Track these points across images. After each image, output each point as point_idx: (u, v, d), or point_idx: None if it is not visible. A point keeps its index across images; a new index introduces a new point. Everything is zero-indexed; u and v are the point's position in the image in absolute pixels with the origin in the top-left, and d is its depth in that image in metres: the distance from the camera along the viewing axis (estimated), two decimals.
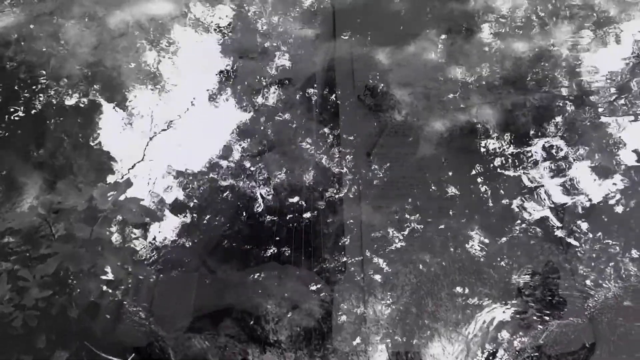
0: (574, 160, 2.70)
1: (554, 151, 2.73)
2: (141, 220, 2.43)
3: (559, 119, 2.82)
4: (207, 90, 2.97)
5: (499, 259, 2.47)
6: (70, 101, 2.89)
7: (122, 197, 2.29)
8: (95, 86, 2.94)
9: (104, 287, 2.22)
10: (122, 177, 2.66)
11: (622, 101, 2.85)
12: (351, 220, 2.59)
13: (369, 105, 3.14)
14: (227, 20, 3.21)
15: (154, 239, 2.53)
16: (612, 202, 2.58)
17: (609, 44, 3.06)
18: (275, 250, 2.50)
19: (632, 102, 2.84)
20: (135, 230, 2.51)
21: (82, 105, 2.89)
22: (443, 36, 3.14)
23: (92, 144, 2.77)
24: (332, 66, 3.06)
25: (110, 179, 2.67)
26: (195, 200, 2.63)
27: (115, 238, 2.47)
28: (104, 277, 2.19)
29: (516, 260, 2.45)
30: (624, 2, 3.18)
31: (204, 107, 2.93)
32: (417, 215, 2.58)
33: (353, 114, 3.07)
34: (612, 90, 2.89)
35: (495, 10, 3.20)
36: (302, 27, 3.20)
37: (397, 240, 2.53)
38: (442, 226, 2.56)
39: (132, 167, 2.72)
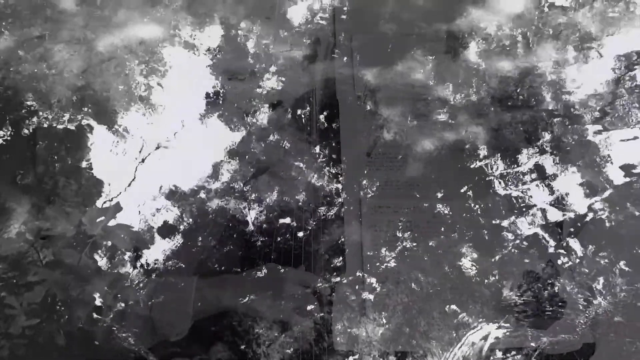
0: (562, 177, 2.73)
1: (542, 168, 2.76)
2: (131, 245, 2.42)
3: (546, 136, 2.86)
4: (197, 111, 2.98)
5: (491, 277, 2.48)
6: (59, 124, 2.88)
7: (111, 222, 2.28)
8: (84, 109, 2.94)
9: (93, 314, 2.20)
10: (112, 200, 2.65)
11: (607, 118, 2.90)
12: (342, 240, 2.59)
13: (369, 109, 3.19)
14: (217, 42, 3.23)
15: (145, 263, 2.51)
16: (601, 217, 2.61)
17: (593, 61, 3.11)
18: (267, 272, 2.50)
19: (617, 118, 2.89)
20: (125, 256, 2.50)
21: (71, 128, 2.88)
22: (430, 56, 3.18)
23: (81, 166, 2.76)
24: (322, 86, 3.08)
25: (100, 202, 2.66)
26: (185, 223, 2.62)
27: (105, 263, 2.45)
28: (92, 304, 2.18)
29: (508, 277, 2.47)
30: (606, 19, 3.24)
31: (194, 128, 2.93)
32: (409, 233, 2.60)
33: (353, 114, 3.09)
34: (598, 107, 2.94)
35: (480, 31, 3.25)
36: (291, 48, 3.23)
37: (389, 259, 2.53)
38: (433, 244, 2.57)
39: (123, 190, 2.71)
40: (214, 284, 2.45)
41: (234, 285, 2.45)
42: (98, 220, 2.45)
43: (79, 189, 2.65)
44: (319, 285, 2.47)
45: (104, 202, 2.64)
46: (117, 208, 2.54)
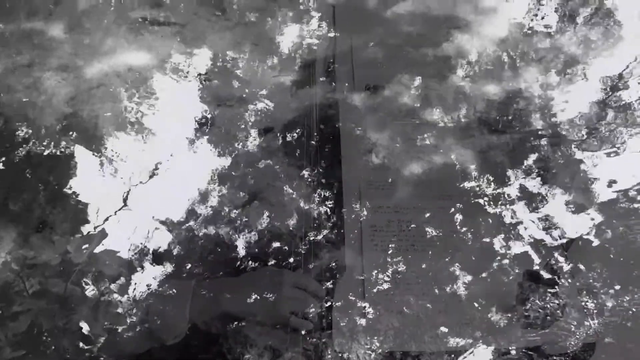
0: (551, 197, 2.77)
1: (530, 189, 2.79)
2: (118, 273, 2.40)
3: (533, 157, 2.90)
4: (186, 137, 2.99)
5: (481, 298, 2.49)
6: (47, 151, 2.89)
7: (97, 250, 2.27)
8: (72, 136, 2.95)
9: (80, 344, 2.17)
10: (99, 227, 2.64)
11: (593, 138, 2.95)
12: (334, 264, 2.60)
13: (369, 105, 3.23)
14: (205, 68, 3.27)
15: (134, 290, 2.50)
16: (589, 236, 2.64)
17: (577, 83, 3.18)
18: (258, 297, 2.49)
19: (602, 138, 2.94)
20: (112, 284, 2.48)
21: (59, 155, 2.88)
22: (417, 80, 3.24)
23: (68, 193, 2.75)
24: (311, 111, 3.12)
25: (87, 228, 2.65)
26: (175, 249, 2.62)
27: (91, 292, 2.43)
28: (79, 333, 2.15)
29: (498, 297, 2.48)
30: (589, 43, 3.33)
31: (183, 154, 2.94)
32: (400, 257, 2.61)
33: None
34: (584, 127, 3.00)
35: (466, 55, 3.32)
36: (279, 74, 3.28)
37: (380, 283, 2.54)
38: (424, 265, 2.58)
39: (110, 216, 2.70)
40: (212, 286, 2.46)
41: (231, 288, 2.47)
42: (83, 247, 2.43)
43: (66, 216, 2.64)
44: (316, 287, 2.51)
45: (91, 230, 2.63)
46: (103, 235, 2.53)
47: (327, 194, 2.80)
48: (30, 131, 2.93)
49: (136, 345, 2.29)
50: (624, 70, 3.17)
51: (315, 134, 3.01)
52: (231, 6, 3.58)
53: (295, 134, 3.01)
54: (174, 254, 2.58)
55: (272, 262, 2.57)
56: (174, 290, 2.44)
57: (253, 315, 2.37)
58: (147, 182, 2.82)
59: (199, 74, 3.23)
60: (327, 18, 3.53)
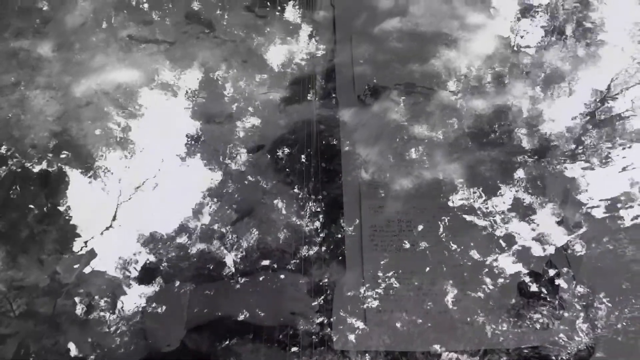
0: (540, 211, 2.80)
1: (520, 204, 2.83)
2: (106, 292, 2.39)
3: (521, 172, 2.94)
4: (176, 154, 3.01)
5: (472, 314, 2.50)
6: (35, 169, 2.89)
7: (86, 270, 2.26)
8: (61, 154, 2.95)
9: None
10: (87, 245, 2.63)
11: (580, 152, 3.00)
12: (325, 281, 2.60)
13: (369, 105, 3.25)
14: (195, 85, 3.29)
15: (122, 308, 2.49)
16: (579, 252, 2.67)
17: (564, 98, 3.24)
18: (248, 315, 2.49)
19: (589, 152, 2.99)
20: (101, 302, 2.47)
21: (48, 173, 2.88)
22: (404, 96, 3.28)
23: (57, 212, 2.75)
24: (300, 128, 3.14)
25: (77, 246, 2.64)
26: (164, 266, 2.61)
27: (80, 311, 2.42)
28: (67, 355, 2.13)
29: (489, 313, 2.50)
30: (575, 59, 3.39)
31: (173, 171, 2.95)
32: (391, 272, 2.62)
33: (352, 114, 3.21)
34: (571, 141, 3.04)
35: (454, 70, 3.37)
36: (268, 91, 3.30)
37: (371, 299, 2.55)
38: (416, 282, 2.60)
39: (100, 234, 2.70)
40: (209, 291, 2.49)
41: (229, 292, 2.49)
42: (74, 267, 2.43)
43: (55, 235, 2.64)
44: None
45: (80, 248, 2.63)
46: (92, 255, 2.53)
47: (317, 209, 2.82)
48: (16, 149, 2.93)
49: (131, 353, 2.31)
50: (611, 82, 3.24)
51: (309, 150, 3.04)
52: (219, 24, 3.62)
53: (285, 151, 3.03)
54: (162, 272, 2.58)
55: (262, 277, 2.59)
56: (159, 310, 2.45)
57: (255, 317, 2.43)
58: (135, 198, 2.83)
59: (188, 91, 3.26)
60: (317, 35, 3.58)
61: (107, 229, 2.72)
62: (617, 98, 3.18)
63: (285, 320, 2.50)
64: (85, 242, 2.67)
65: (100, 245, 2.66)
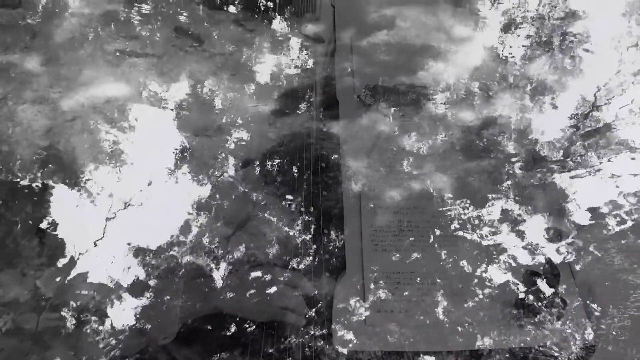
0: (529, 221, 2.84)
1: (509, 214, 2.87)
2: (94, 305, 2.38)
3: (510, 182, 2.98)
4: (165, 167, 3.02)
5: (464, 325, 2.52)
6: (22, 184, 2.89)
7: (72, 284, 2.25)
8: (49, 168, 2.96)
9: None
10: (74, 260, 2.63)
11: (568, 161, 3.05)
12: (315, 292, 2.62)
13: (369, 105, 3.30)
14: (183, 98, 3.32)
15: (111, 323, 2.48)
16: (568, 260, 2.71)
17: (551, 108, 3.30)
18: (237, 329, 2.49)
19: (577, 162, 3.05)
20: (89, 316, 2.46)
21: (35, 188, 2.88)
22: (393, 108, 3.33)
23: (44, 226, 2.75)
24: (290, 140, 3.17)
25: (63, 261, 2.64)
26: (154, 280, 2.61)
27: (66, 325, 2.41)
28: None
29: (481, 325, 2.51)
30: (561, 70, 3.47)
31: (162, 184, 2.96)
32: (380, 282, 2.64)
33: (353, 115, 3.26)
34: (559, 152, 3.10)
35: (441, 83, 3.43)
36: (257, 104, 3.34)
37: (362, 311, 2.56)
38: (407, 293, 2.62)
39: (87, 248, 2.70)
40: (199, 304, 2.49)
41: (219, 305, 2.51)
42: (56, 280, 2.42)
43: (42, 250, 2.63)
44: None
45: (67, 263, 2.62)
46: (78, 269, 2.53)
47: (308, 220, 2.84)
48: (3, 164, 2.93)
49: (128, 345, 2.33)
50: (596, 92, 3.32)
51: (300, 161, 3.07)
52: (208, 37, 3.67)
53: (275, 163, 3.06)
54: (152, 285, 2.58)
55: (252, 291, 2.60)
56: (149, 325, 2.46)
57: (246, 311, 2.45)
58: (124, 212, 2.84)
59: (177, 104, 3.28)
60: (305, 49, 3.64)
61: (95, 243, 2.72)
62: (602, 108, 3.26)
63: (276, 316, 2.53)
64: (72, 257, 2.66)
65: (88, 260, 2.65)
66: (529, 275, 2.65)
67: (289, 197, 2.92)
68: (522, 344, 2.47)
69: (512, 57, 3.55)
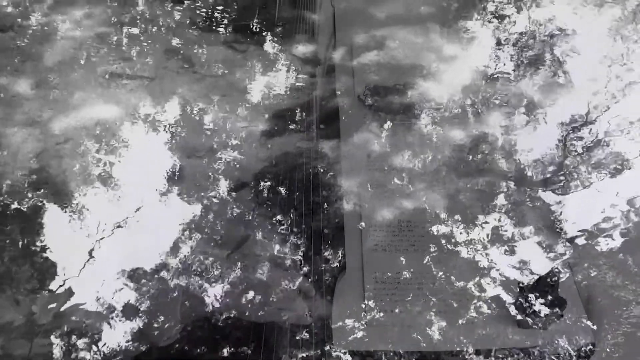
0: (521, 238, 2.88)
1: (501, 231, 2.91)
2: (86, 331, 2.38)
3: (502, 200, 3.03)
4: (156, 189, 3.05)
5: (458, 342, 2.54)
6: (12, 206, 2.91)
7: (63, 308, 2.25)
8: (39, 191, 2.98)
9: None
10: (66, 283, 2.63)
11: (560, 178, 3.12)
12: (308, 313, 2.63)
13: (369, 105, 3.37)
14: (175, 119, 3.36)
15: (103, 346, 2.48)
16: (562, 277, 2.75)
17: (540, 126, 3.38)
18: (231, 350, 2.50)
19: (568, 178, 3.11)
20: (80, 341, 2.46)
21: (26, 211, 2.90)
22: (385, 126, 3.39)
23: (35, 249, 2.76)
24: (282, 160, 3.21)
25: (55, 285, 2.64)
26: (146, 302, 2.62)
27: (58, 351, 2.41)
28: None
29: (475, 342, 2.54)
30: (550, 87, 3.55)
31: (154, 206, 2.98)
32: (373, 302, 2.66)
33: (353, 115, 3.33)
34: (548, 169, 3.16)
35: (432, 101, 3.50)
36: (248, 124, 3.38)
37: (356, 331, 2.58)
38: (398, 310, 2.64)
39: (79, 271, 2.71)
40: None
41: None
42: (49, 307, 2.42)
43: (33, 273, 2.64)
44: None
45: (59, 287, 2.63)
46: (70, 293, 2.53)
47: (299, 241, 2.87)
48: None
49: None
50: (584, 112, 3.40)
51: (291, 182, 3.10)
52: (199, 59, 3.72)
53: (267, 183, 3.09)
54: (144, 308, 2.59)
55: (245, 313, 2.61)
56: (141, 348, 2.46)
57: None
58: (116, 234, 2.85)
59: (168, 126, 3.32)
60: (295, 67, 3.70)
61: (85, 265, 2.73)
62: (592, 124, 3.34)
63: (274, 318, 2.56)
64: (64, 281, 2.67)
65: (79, 283, 2.66)
66: (523, 292, 2.69)
67: (278, 217, 2.95)
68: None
69: (501, 75, 3.64)
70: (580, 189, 3.08)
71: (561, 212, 2.99)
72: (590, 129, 3.32)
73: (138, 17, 3.94)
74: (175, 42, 3.80)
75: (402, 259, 2.81)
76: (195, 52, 3.75)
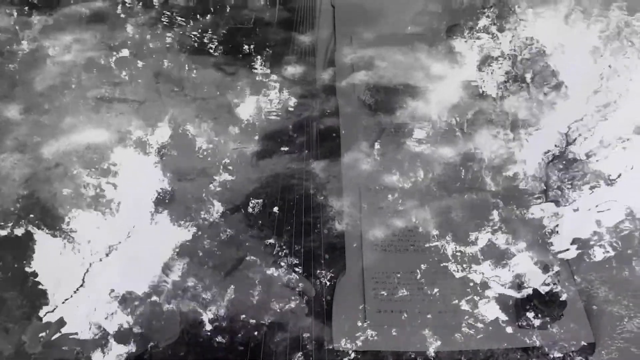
0: (513, 254, 2.92)
1: (493, 247, 2.94)
2: (77, 358, 2.37)
3: (493, 216, 3.07)
4: (148, 211, 3.06)
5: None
6: (2, 233, 2.91)
7: (55, 337, 2.24)
8: (29, 217, 2.98)
9: None
10: (56, 311, 2.62)
11: (548, 194, 3.16)
12: (305, 335, 2.64)
13: (369, 105, 3.44)
14: (165, 142, 3.39)
15: None
16: (554, 291, 2.77)
17: (528, 143, 3.44)
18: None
19: (556, 194, 3.16)
20: None
21: (15, 237, 2.90)
22: (375, 146, 3.43)
23: (25, 275, 2.75)
24: (273, 181, 3.24)
25: (45, 311, 2.63)
26: (139, 327, 2.61)
27: None
28: None
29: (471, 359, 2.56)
30: (536, 105, 3.63)
31: (145, 230, 3.00)
32: (367, 322, 2.67)
33: (353, 116, 3.40)
34: (538, 185, 3.21)
35: (420, 120, 3.56)
36: (239, 146, 3.41)
37: (350, 353, 2.58)
38: (394, 332, 2.65)
39: (70, 296, 2.70)
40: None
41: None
42: (40, 335, 2.41)
43: (22, 300, 2.63)
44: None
45: (48, 312, 2.62)
46: (61, 323, 2.53)
47: (294, 262, 2.88)
48: None
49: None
50: (570, 130, 3.47)
51: (282, 203, 3.13)
52: (189, 81, 3.77)
53: (258, 205, 3.11)
54: (137, 332, 2.58)
55: (238, 335, 2.61)
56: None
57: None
58: (107, 259, 2.86)
59: (159, 149, 3.35)
60: (285, 88, 3.76)
61: (76, 291, 2.72)
62: (577, 142, 3.41)
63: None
64: (54, 309, 2.66)
65: (71, 310, 2.65)
66: (518, 307, 2.71)
67: (270, 241, 2.97)
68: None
69: (488, 93, 3.71)
70: (568, 204, 3.13)
71: (552, 227, 3.03)
72: (576, 147, 3.39)
73: (128, 41, 4.00)
74: (165, 65, 3.85)
75: (396, 278, 2.83)
76: (186, 75, 3.79)
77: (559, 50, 3.95)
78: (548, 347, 2.58)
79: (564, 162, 3.32)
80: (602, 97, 3.66)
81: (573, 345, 2.58)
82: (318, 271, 2.84)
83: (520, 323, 2.65)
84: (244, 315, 2.65)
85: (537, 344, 2.60)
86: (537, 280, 2.80)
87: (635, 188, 3.20)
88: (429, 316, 2.69)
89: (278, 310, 2.69)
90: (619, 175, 3.24)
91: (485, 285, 2.79)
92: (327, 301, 2.74)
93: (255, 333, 2.60)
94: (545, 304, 2.68)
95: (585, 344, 2.60)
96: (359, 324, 2.67)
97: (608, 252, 2.93)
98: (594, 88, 3.72)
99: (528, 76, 3.79)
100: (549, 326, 2.64)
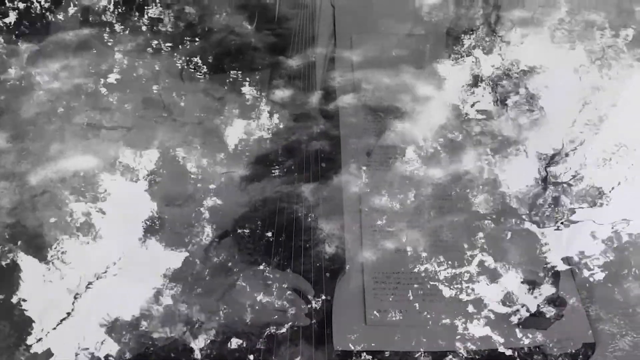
0: (504, 273, 2.94)
1: (484, 267, 2.97)
2: None
3: (482, 235, 3.11)
4: (137, 238, 3.06)
5: None
6: None
7: None
8: (15, 244, 2.97)
9: None
10: (43, 340, 2.60)
11: (537, 213, 3.21)
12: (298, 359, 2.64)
13: (369, 106, 3.53)
14: (154, 168, 3.40)
15: None
16: (544, 310, 2.80)
17: (516, 162, 3.49)
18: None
19: (545, 213, 3.20)
20: None
21: (2, 265, 2.89)
22: (364, 168, 3.47)
23: (11, 304, 2.73)
24: (263, 205, 3.26)
25: (31, 340, 2.61)
26: (129, 354, 2.60)
27: None
28: None
29: None
30: (522, 125, 3.69)
31: (134, 256, 2.99)
32: (362, 345, 2.67)
33: (353, 117, 3.42)
34: (528, 203, 3.26)
35: (408, 141, 3.61)
36: (228, 170, 3.43)
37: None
38: (387, 354, 2.65)
39: (57, 325, 2.68)
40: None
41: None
42: None
43: (10, 327, 2.61)
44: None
45: (35, 343, 2.60)
46: (49, 354, 2.51)
47: (283, 285, 2.89)
48: None
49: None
50: (559, 147, 3.53)
51: (273, 227, 3.14)
52: (177, 107, 3.80)
53: (248, 229, 3.12)
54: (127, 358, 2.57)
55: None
56: None
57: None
58: (95, 286, 2.84)
59: (147, 174, 3.36)
60: (275, 113, 3.79)
61: (63, 320, 2.71)
62: (567, 159, 3.47)
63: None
64: (40, 338, 2.64)
65: (58, 338, 2.63)
66: (510, 331, 2.72)
67: (261, 267, 2.97)
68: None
69: (475, 114, 3.77)
70: (560, 221, 3.17)
71: (541, 246, 3.06)
72: (566, 164, 3.45)
73: (116, 67, 4.03)
74: (153, 90, 3.88)
75: (389, 300, 2.84)
76: (174, 101, 3.83)
77: (548, 68, 4.03)
78: (548, 347, 2.60)
79: (550, 182, 3.37)
80: (587, 115, 3.74)
81: (573, 346, 2.59)
82: (308, 295, 2.85)
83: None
84: (235, 341, 2.65)
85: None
86: (526, 298, 2.83)
87: (623, 207, 3.25)
88: (422, 339, 2.70)
89: (271, 333, 2.69)
90: (608, 195, 3.30)
91: (477, 306, 2.81)
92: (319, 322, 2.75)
93: (250, 357, 2.60)
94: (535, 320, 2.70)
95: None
96: (352, 347, 2.67)
97: (597, 272, 2.97)
98: (579, 108, 3.80)
99: (512, 98, 3.86)
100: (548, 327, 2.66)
